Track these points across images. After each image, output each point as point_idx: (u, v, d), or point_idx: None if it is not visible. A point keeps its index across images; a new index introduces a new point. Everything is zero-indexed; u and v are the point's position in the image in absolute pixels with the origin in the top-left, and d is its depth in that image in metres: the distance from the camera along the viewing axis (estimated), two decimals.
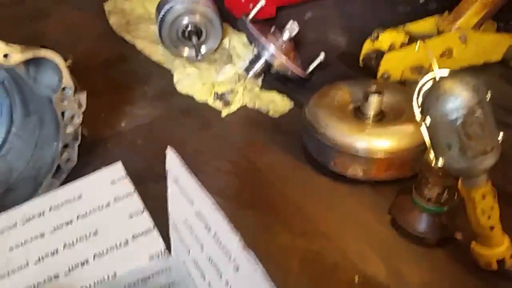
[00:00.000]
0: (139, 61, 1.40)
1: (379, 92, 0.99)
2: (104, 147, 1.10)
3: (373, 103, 0.99)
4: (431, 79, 0.70)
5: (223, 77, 1.31)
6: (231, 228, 0.49)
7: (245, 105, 1.24)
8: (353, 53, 1.35)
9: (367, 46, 1.30)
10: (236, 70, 1.32)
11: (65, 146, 0.92)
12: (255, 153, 1.09)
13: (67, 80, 0.85)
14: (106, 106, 1.22)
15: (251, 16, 1.28)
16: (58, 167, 0.92)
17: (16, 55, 0.78)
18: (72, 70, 0.94)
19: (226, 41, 1.43)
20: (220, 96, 1.26)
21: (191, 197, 0.58)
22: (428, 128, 0.71)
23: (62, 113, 0.88)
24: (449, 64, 1.30)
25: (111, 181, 0.71)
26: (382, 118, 1.01)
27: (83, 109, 0.90)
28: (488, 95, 0.68)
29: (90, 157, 1.05)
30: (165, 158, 1.04)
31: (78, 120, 0.90)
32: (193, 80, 1.29)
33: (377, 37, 1.23)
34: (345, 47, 1.49)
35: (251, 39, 1.24)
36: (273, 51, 1.21)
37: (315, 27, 1.60)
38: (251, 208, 0.95)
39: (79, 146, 1.02)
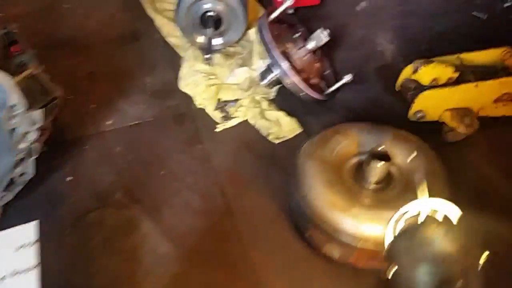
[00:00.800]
0: (152, 42, 1.27)
1: (385, 156, 0.80)
2: (80, 149, 1.02)
3: (374, 170, 0.80)
4: (410, 216, 0.52)
5: (233, 80, 1.15)
6: None
7: (247, 120, 1.09)
8: (396, 69, 1.12)
9: (406, 73, 1.07)
10: (250, 74, 1.15)
11: (22, 159, 0.85)
12: (236, 189, 0.96)
13: (14, 98, 0.75)
14: (99, 96, 1.13)
15: (273, 15, 1.08)
16: (12, 180, 0.86)
17: None
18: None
19: (252, 33, 1.24)
20: (221, 106, 1.11)
21: None
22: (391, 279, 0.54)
23: (13, 129, 0.80)
24: (504, 110, 1.04)
25: (17, 247, 0.62)
26: (387, 185, 0.83)
27: (38, 125, 0.81)
28: (482, 260, 0.50)
29: (61, 161, 0.98)
30: (136, 181, 0.96)
31: (32, 137, 0.81)
32: (198, 79, 1.14)
33: (416, 70, 1.00)
34: (390, 59, 1.25)
35: (264, 47, 1.05)
36: (285, 68, 1.02)
37: (365, 23, 1.36)
38: (207, 265, 0.84)
39: (53, 143, 0.96)
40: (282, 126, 1.07)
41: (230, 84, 1.15)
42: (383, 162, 0.79)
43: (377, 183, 0.82)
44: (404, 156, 0.86)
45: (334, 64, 1.19)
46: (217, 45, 1.21)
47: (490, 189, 0.99)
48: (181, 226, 0.90)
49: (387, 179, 0.83)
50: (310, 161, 0.85)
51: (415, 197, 0.76)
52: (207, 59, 1.14)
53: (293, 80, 1.02)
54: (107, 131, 1.06)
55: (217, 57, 1.20)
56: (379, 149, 0.81)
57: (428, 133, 1.05)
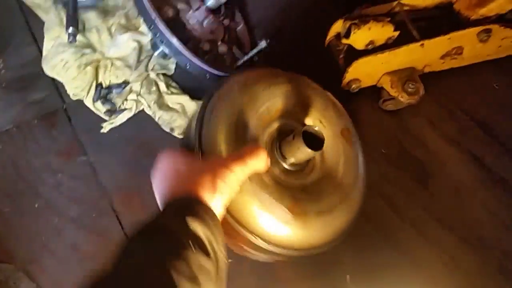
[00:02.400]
0: (2, 2, 0.93)
1: (319, 142, 0.57)
2: None
3: (302, 154, 0.58)
4: None
5: (116, 52, 0.87)
6: None
7: (143, 110, 0.85)
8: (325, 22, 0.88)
9: (335, 30, 0.84)
10: (139, 41, 0.87)
11: None
12: (135, 215, 0.75)
13: None
14: None
15: None
16: None
17: None
18: None
19: None
20: (104, 95, 0.84)
21: None
22: None
23: None
24: (452, 63, 0.87)
25: None
26: (302, 169, 0.62)
27: None
28: None
29: None
30: (2, 225, 0.73)
31: None
32: (68, 57, 0.85)
33: (349, 34, 0.77)
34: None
35: (139, 10, 0.76)
36: (174, 42, 0.75)
37: None
38: None
39: None
40: (188, 115, 0.84)
41: (113, 59, 0.87)
42: (315, 152, 0.58)
43: (294, 164, 0.62)
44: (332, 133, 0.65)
45: (249, 21, 0.93)
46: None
47: (436, 161, 0.86)
48: (69, 279, 0.70)
49: (308, 163, 0.64)
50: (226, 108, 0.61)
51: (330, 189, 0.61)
52: (71, 35, 0.83)
53: (190, 59, 0.76)
54: None
55: (91, 16, 0.89)
56: (315, 129, 0.57)
57: (364, 98, 0.88)
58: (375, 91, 0.87)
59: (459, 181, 0.84)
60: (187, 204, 0.48)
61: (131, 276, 0.39)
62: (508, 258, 0.79)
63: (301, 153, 0.57)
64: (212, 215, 0.48)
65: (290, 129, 0.60)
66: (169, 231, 0.44)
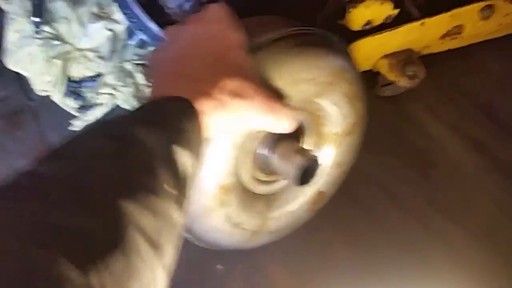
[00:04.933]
0: None
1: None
2: None
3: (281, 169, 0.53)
4: None
5: (88, 43, 0.79)
6: None
7: (118, 106, 0.77)
8: None
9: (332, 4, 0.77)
10: (113, 29, 0.79)
11: None
12: None
13: None
14: None
15: None
16: None
17: None
18: None
19: None
20: (74, 89, 0.76)
21: None
22: None
23: None
24: (452, 44, 0.81)
25: None
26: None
27: None
28: None
29: None
30: None
31: None
32: (34, 50, 0.76)
33: (343, 16, 0.70)
34: None
35: None
36: (153, 28, 0.67)
37: None
38: None
39: None
40: None
41: (84, 51, 0.79)
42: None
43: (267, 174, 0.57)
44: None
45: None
46: None
47: (437, 149, 0.81)
48: None
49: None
50: None
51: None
52: (37, 26, 0.74)
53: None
54: None
55: (59, 6, 0.80)
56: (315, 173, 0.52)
57: None
58: (370, 77, 0.82)
59: (462, 170, 0.80)
60: (182, 116, 0.35)
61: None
62: None
63: (286, 167, 0.50)
64: (200, 140, 0.37)
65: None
66: (144, 152, 0.31)
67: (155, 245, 0.28)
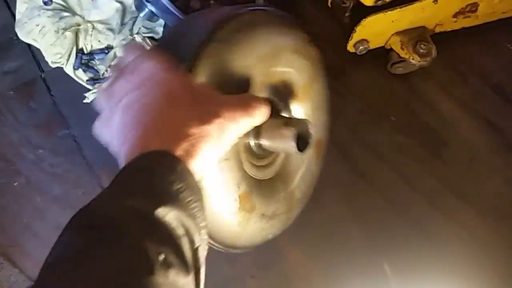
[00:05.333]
0: None
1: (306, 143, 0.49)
2: None
3: (275, 139, 0.50)
4: None
5: (98, 15, 0.79)
6: None
7: None
8: None
9: None
10: (122, 1, 0.79)
11: None
12: None
13: None
14: None
15: None
16: None
17: None
18: None
19: None
20: (85, 62, 0.76)
21: None
22: None
23: None
24: (465, 22, 0.80)
25: None
26: (263, 157, 0.54)
27: None
28: None
29: None
30: None
31: None
32: (44, 21, 0.76)
33: None
34: None
35: None
36: (162, 0, 0.67)
37: None
38: None
39: None
40: None
41: (94, 23, 0.79)
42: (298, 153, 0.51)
43: (261, 148, 0.54)
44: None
45: None
46: None
47: (449, 128, 0.80)
48: None
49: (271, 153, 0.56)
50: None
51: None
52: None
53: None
54: None
55: None
56: (310, 132, 0.50)
57: (371, 61, 0.81)
58: (382, 54, 0.81)
59: (474, 149, 0.79)
60: (161, 171, 0.32)
61: None
62: None
63: (282, 144, 0.48)
64: (197, 190, 0.34)
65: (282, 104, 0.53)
66: (126, 234, 0.29)
67: None
